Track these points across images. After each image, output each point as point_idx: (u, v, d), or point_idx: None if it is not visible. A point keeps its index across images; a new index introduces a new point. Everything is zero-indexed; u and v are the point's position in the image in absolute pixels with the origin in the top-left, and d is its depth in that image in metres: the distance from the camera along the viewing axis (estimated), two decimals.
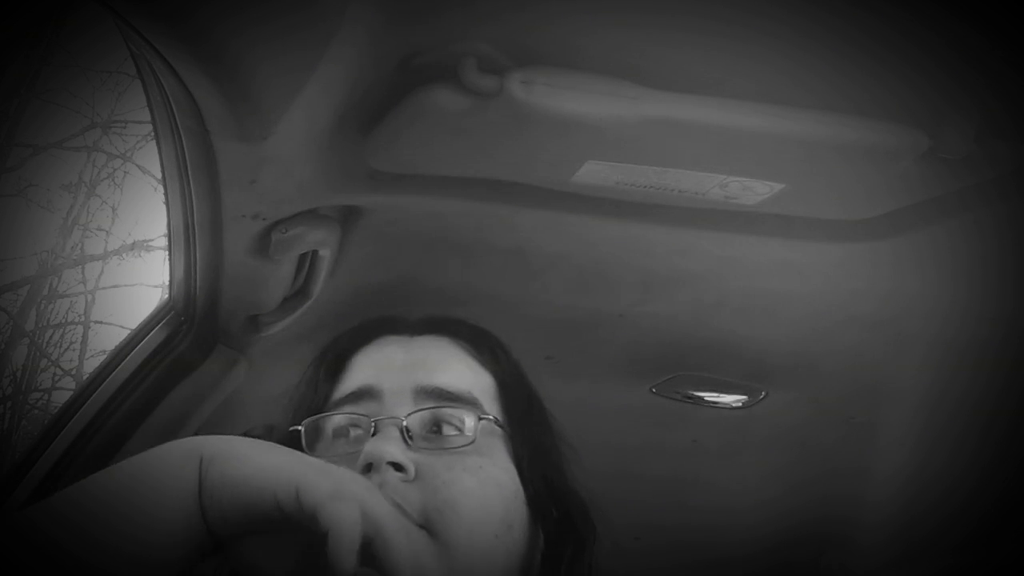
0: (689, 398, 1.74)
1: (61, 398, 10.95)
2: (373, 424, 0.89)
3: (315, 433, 0.93)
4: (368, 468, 0.85)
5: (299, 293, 1.42)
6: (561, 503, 0.96)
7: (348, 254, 1.39)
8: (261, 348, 1.47)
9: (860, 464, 1.78)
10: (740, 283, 1.46)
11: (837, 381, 1.66)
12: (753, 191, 1.25)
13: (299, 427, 0.93)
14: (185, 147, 1.11)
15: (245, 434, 1.21)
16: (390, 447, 0.86)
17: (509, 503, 0.90)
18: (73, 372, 11.31)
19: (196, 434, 1.51)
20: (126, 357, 1.37)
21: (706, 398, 1.74)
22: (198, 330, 1.41)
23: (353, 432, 0.92)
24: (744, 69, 1.08)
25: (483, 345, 1.02)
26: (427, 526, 0.84)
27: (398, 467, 0.86)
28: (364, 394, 0.94)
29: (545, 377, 1.67)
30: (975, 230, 1.31)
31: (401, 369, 0.95)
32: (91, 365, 11.00)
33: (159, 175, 1.57)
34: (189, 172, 1.15)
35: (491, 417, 0.93)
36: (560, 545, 0.94)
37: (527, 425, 0.98)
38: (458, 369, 0.98)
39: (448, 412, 0.91)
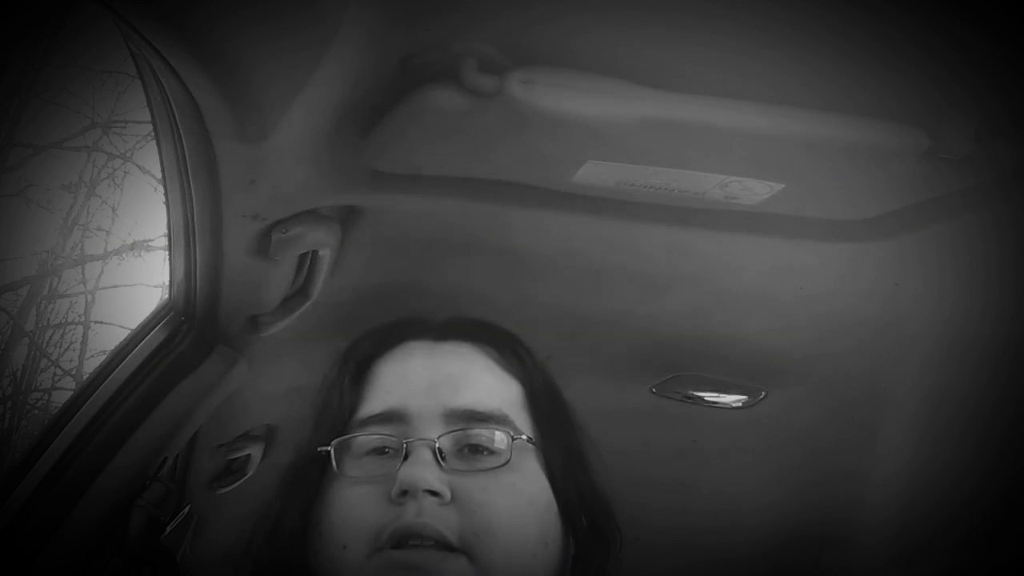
0: (689, 398, 1.74)
1: (61, 398, 10.94)
2: (405, 446, 0.89)
3: (344, 452, 0.93)
4: (404, 494, 0.86)
5: (299, 293, 1.42)
6: (590, 509, 0.96)
7: (348, 254, 1.38)
8: (261, 348, 1.47)
9: (860, 464, 1.78)
10: (740, 283, 1.46)
11: (837, 381, 1.66)
12: (753, 191, 1.25)
13: (328, 448, 0.93)
14: (185, 147, 1.10)
15: (246, 435, 1.21)
16: (425, 473, 0.86)
17: (544, 519, 0.90)
18: (73, 372, 11.31)
19: (196, 434, 1.52)
20: (126, 357, 1.37)
21: (706, 398, 1.74)
22: (198, 330, 1.41)
23: (383, 452, 0.91)
24: (744, 69, 1.08)
25: (508, 351, 1.02)
26: (466, 550, 0.84)
27: (434, 493, 0.86)
28: (393, 416, 0.93)
29: None
30: (975, 230, 1.31)
31: (428, 389, 0.94)
32: (91, 365, 11.00)
33: (159, 175, 1.57)
34: (189, 172, 1.14)
35: (524, 437, 0.93)
36: (590, 552, 0.95)
37: (556, 431, 0.98)
38: (486, 384, 0.97)
39: (480, 433, 0.91)
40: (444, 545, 0.84)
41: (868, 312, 1.50)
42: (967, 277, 1.40)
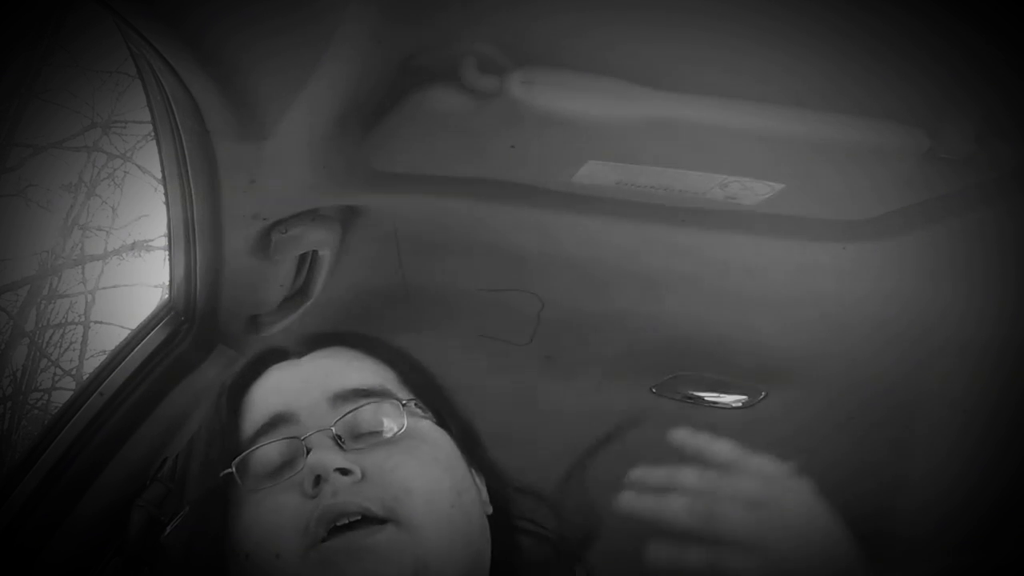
0: (689, 398, 1.74)
1: (61, 398, 10.94)
2: (303, 443, 0.90)
3: (246, 470, 0.92)
4: (317, 480, 0.87)
5: (299, 293, 1.42)
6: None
7: (348, 254, 1.38)
8: (261, 348, 1.47)
9: (859, 463, 1.78)
10: (740, 283, 1.46)
11: (836, 380, 1.66)
12: (753, 191, 1.25)
13: (230, 470, 0.92)
14: (185, 147, 1.11)
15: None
16: (332, 455, 0.88)
17: (454, 470, 0.93)
18: (73, 372, 11.31)
19: (196, 435, 1.52)
20: (126, 357, 1.37)
21: (706, 398, 1.74)
22: (198, 330, 1.41)
23: (285, 458, 0.91)
24: (744, 69, 1.08)
25: (376, 347, 1.03)
26: (391, 517, 0.86)
27: (345, 471, 0.87)
28: (279, 421, 0.93)
29: (545, 377, 1.68)
30: (975, 230, 1.31)
31: (308, 385, 0.96)
32: (91, 365, 11.00)
33: (159, 175, 1.56)
34: (189, 172, 1.15)
35: (412, 400, 0.96)
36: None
37: (440, 405, 1.01)
38: (362, 368, 0.99)
39: (372, 409, 0.93)
40: (370, 517, 0.86)
41: (868, 312, 1.50)
42: (967, 277, 1.40)
